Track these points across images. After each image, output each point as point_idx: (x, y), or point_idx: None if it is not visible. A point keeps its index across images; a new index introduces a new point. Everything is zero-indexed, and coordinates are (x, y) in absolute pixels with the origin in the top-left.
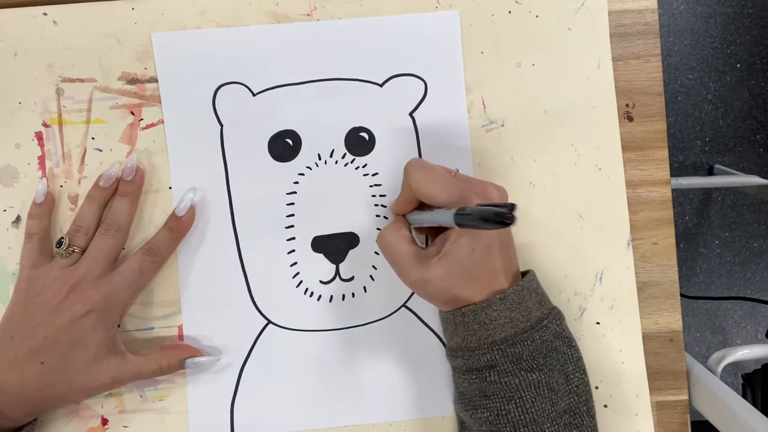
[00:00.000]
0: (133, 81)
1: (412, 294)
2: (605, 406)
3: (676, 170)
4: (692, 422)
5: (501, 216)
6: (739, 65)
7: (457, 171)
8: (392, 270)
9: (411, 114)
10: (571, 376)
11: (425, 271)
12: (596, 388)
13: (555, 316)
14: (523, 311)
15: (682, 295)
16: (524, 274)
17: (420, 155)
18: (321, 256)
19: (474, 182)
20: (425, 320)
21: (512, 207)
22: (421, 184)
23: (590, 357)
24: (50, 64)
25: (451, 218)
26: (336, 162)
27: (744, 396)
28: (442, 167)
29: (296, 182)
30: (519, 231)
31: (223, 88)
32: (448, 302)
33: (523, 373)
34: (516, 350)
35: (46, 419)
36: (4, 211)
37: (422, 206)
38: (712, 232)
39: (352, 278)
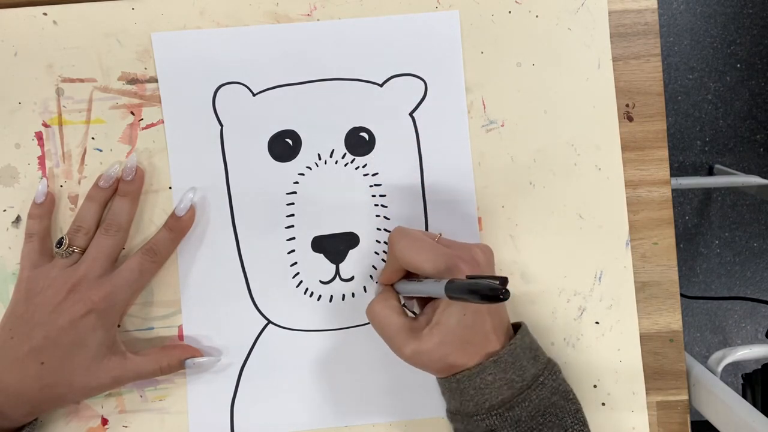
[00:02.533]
0: (133, 81)
1: None
2: (603, 404)
3: (676, 170)
4: (692, 422)
5: (495, 291)
6: (739, 65)
7: (440, 235)
8: None
9: (411, 114)
10: (570, 430)
11: (418, 344)
12: (594, 386)
13: (551, 370)
14: (518, 370)
15: (682, 295)
16: (516, 326)
17: (420, 155)
18: (321, 256)
19: (458, 247)
20: None
21: (504, 281)
22: (406, 254)
23: (589, 356)
24: (50, 64)
25: (441, 290)
26: (336, 162)
27: (744, 396)
28: (425, 233)
29: (296, 182)
30: (520, 232)
31: (223, 88)
32: (443, 370)
33: None
34: (514, 413)
35: (46, 419)
36: (4, 211)
37: (410, 274)
38: (712, 232)
39: (352, 278)
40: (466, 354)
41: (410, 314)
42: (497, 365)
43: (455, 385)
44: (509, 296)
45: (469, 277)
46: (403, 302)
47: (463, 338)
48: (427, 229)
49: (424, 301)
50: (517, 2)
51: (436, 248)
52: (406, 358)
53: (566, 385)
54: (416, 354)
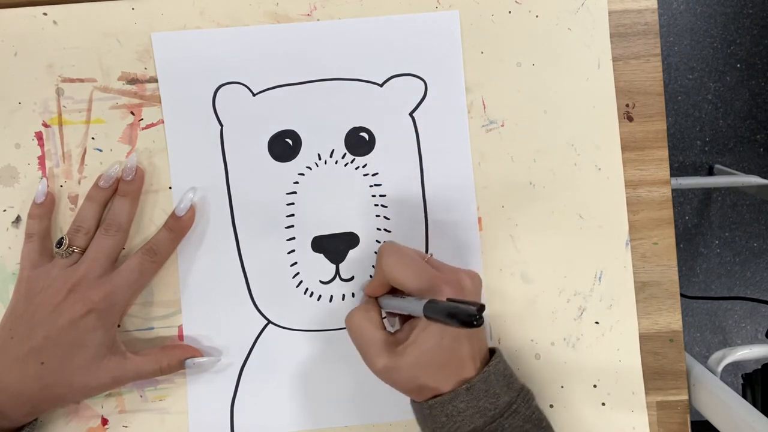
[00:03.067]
0: (133, 81)
1: None
2: (603, 404)
3: (676, 170)
4: (692, 422)
5: (470, 316)
6: (739, 65)
7: (431, 256)
8: None
9: (411, 114)
10: None
11: (391, 360)
12: (594, 386)
13: (524, 398)
14: (491, 398)
15: (682, 295)
16: (492, 351)
17: (420, 155)
18: (321, 256)
19: (447, 270)
20: None
21: (481, 308)
22: (393, 270)
23: (589, 356)
24: (50, 64)
25: (420, 309)
26: (336, 162)
27: (744, 396)
28: (416, 252)
29: (296, 182)
30: (520, 232)
31: (223, 88)
32: (415, 391)
33: None
34: None
35: (46, 419)
36: (4, 211)
37: (395, 290)
38: (712, 232)
39: (352, 278)
40: (439, 378)
41: (389, 329)
42: (470, 392)
43: (427, 411)
44: (482, 323)
45: (449, 300)
46: (384, 316)
47: (438, 361)
48: (426, 230)
49: (405, 319)
50: (517, 2)
51: (423, 268)
52: (377, 372)
53: (540, 413)
54: (387, 370)
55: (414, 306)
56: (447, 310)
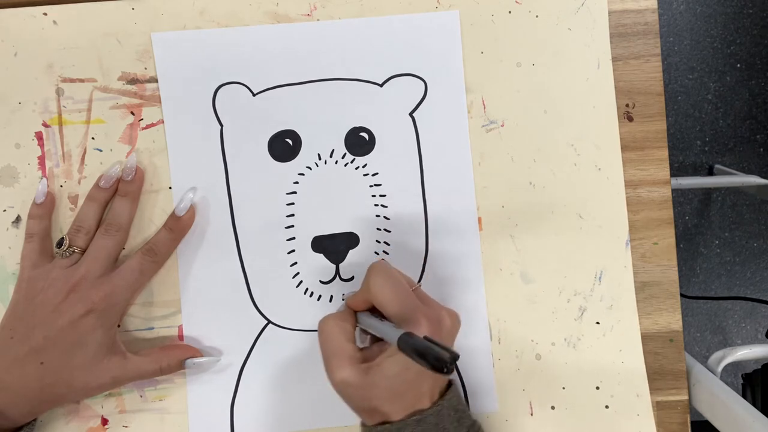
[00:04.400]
0: (133, 81)
1: None
2: (606, 407)
3: (676, 170)
4: (692, 422)
5: (440, 362)
6: (739, 65)
7: (419, 286)
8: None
9: (411, 114)
10: None
11: (352, 375)
12: (597, 388)
13: None
14: None
15: (682, 295)
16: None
17: (420, 155)
18: (321, 256)
19: (430, 304)
20: None
21: (455, 358)
22: (377, 290)
23: (590, 357)
24: (50, 64)
25: (394, 339)
26: (336, 162)
27: (744, 396)
28: (405, 278)
29: (296, 182)
30: (520, 232)
31: (223, 88)
32: (365, 411)
33: None
34: None
35: (46, 419)
36: (4, 211)
37: (375, 309)
38: (712, 232)
39: (352, 278)
40: (393, 405)
41: (358, 344)
42: (419, 425)
43: None
44: (452, 372)
45: (425, 338)
46: (357, 330)
47: (396, 390)
48: (427, 230)
49: (378, 339)
50: (517, 2)
51: (408, 296)
52: (334, 384)
53: None
54: (344, 384)
55: (389, 332)
56: (419, 349)
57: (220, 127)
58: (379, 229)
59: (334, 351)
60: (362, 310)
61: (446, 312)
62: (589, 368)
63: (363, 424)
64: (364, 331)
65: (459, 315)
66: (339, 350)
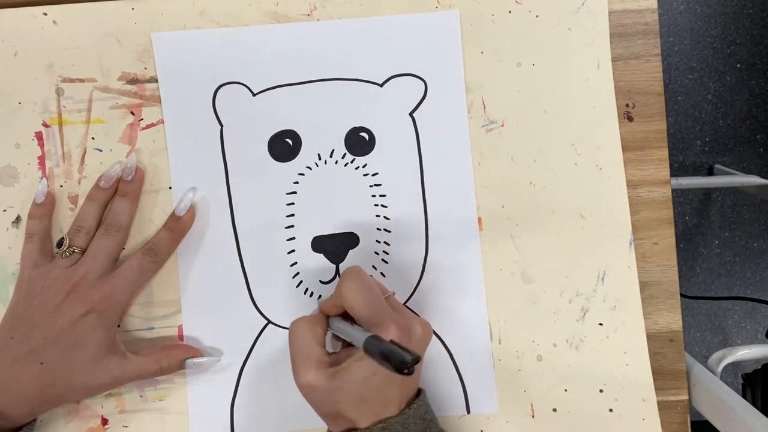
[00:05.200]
0: (133, 81)
1: (412, 294)
2: (610, 410)
3: (676, 170)
4: (692, 422)
5: (402, 364)
6: (739, 65)
7: (393, 294)
8: (392, 269)
9: (411, 114)
10: None
11: (318, 379)
12: (600, 391)
13: None
14: None
15: (682, 295)
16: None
17: (420, 155)
18: (321, 256)
19: (402, 313)
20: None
21: (416, 360)
22: (349, 295)
23: (593, 359)
24: (50, 64)
25: (361, 341)
26: (336, 162)
27: (744, 396)
28: (379, 285)
29: (296, 182)
30: (520, 232)
31: (223, 88)
32: (330, 416)
33: None
34: None
35: (46, 419)
36: (4, 211)
37: (348, 316)
38: (712, 232)
39: None
40: (358, 411)
41: (329, 349)
42: None
43: None
44: (413, 373)
45: (391, 342)
46: (330, 336)
47: (362, 395)
48: (427, 230)
49: (347, 345)
50: (517, 2)
51: (379, 302)
52: (300, 386)
53: None
54: (310, 387)
55: (357, 336)
56: (383, 351)
57: (220, 127)
58: (379, 229)
59: (301, 354)
60: (334, 315)
61: (418, 321)
62: (592, 370)
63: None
64: (336, 337)
65: (430, 325)
66: (307, 353)
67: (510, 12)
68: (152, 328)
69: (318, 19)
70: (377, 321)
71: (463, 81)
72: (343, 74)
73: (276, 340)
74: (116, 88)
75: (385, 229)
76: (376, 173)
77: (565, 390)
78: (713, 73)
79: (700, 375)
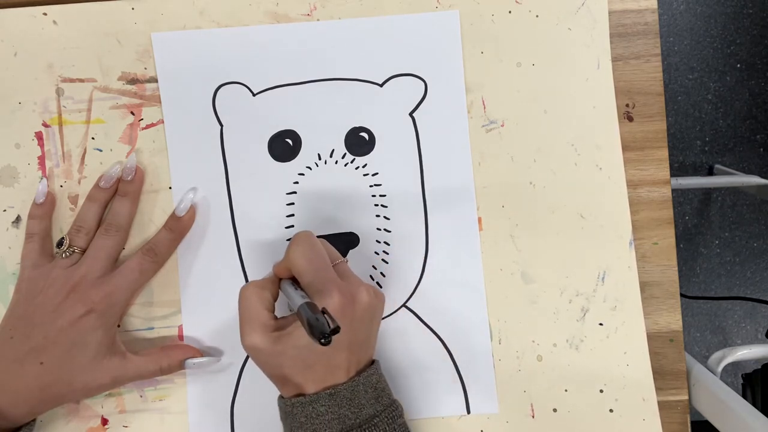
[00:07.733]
0: (133, 81)
1: (412, 294)
2: (611, 410)
3: (676, 170)
4: (692, 422)
5: (321, 334)
6: (739, 65)
7: (345, 261)
8: (392, 269)
9: (411, 114)
10: None
11: (262, 341)
12: (600, 391)
13: (389, 414)
14: (354, 408)
15: (682, 295)
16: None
17: (420, 155)
18: None
19: (350, 279)
20: (425, 320)
21: (335, 330)
22: (294, 258)
23: (594, 359)
24: (50, 64)
25: (297, 305)
26: (336, 162)
27: (744, 396)
28: (329, 251)
29: (296, 182)
30: (520, 231)
31: (223, 88)
32: (278, 379)
33: None
34: None
35: (46, 419)
36: (4, 211)
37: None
38: (712, 232)
39: None
40: (304, 376)
41: (277, 314)
42: (333, 398)
43: (289, 409)
44: (329, 344)
45: (323, 310)
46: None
47: (305, 361)
48: (426, 230)
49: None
50: (517, 2)
51: (324, 267)
52: (246, 348)
53: (404, 430)
54: (254, 349)
55: (296, 300)
56: (308, 319)
57: (220, 127)
58: (378, 229)
59: (248, 317)
60: (285, 278)
61: (365, 288)
62: (592, 370)
63: (280, 397)
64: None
65: (383, 295)
66: (253, 316)
67: (510, 12)
68: (152, 328)
69: (318, 19)
70: (320, 287)
71: (463, 81)
72: (343, 74)
73: None
74: (116, 88)
75: (385, 229)
76: (376, 173)
77: (565, 390)
78: (713, 73)
79: (700, 375)
